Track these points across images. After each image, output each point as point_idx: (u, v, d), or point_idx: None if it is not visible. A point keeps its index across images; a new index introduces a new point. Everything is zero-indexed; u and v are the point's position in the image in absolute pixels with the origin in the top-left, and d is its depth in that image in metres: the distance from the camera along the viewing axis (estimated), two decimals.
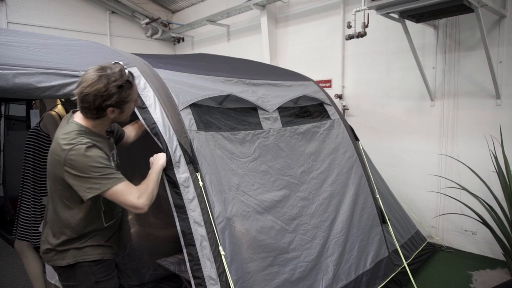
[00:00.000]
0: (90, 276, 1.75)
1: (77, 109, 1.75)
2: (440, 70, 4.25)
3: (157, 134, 2.09)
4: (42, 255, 1.82)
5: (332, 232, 2.89)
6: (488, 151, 3.81)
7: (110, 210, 1.87)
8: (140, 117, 2.12)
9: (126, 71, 1.69)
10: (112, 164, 1.77)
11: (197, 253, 2.03)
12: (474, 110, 4.03)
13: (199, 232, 2.05)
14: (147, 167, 3.55)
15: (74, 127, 1.67)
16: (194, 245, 2.03)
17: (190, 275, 2.03)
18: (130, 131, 2.24)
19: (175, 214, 2.07)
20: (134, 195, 1.65)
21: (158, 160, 1.91)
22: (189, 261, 2.04)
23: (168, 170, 2.07)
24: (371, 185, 3.46)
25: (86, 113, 1.65)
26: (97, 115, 1.65)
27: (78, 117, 1.71)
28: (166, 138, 2.10)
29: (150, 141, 2.15)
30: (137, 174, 3.54)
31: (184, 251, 2.05)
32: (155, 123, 2.10)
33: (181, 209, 2.06)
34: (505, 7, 3.70)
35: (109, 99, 1.59)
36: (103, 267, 1.81)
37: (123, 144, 2.20)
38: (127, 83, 1.67)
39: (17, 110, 5.53)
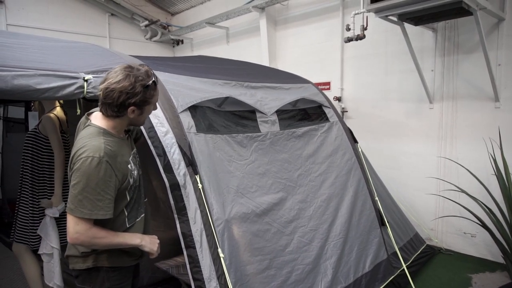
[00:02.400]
0: (105, 282, 1.73)
1: (92, 111, 1.74)
2: (439, 72, 4.26)
3: (154, 137, 2.09)
4: (66, 258, 1.80)
5: (330, 235, 2.88)
6: (487, 154, 3.81)
7: (134, 210, 1.81)
8: None
9: (151, 72, 1.68)
10: (132, 165, 1.74)
11: (197, 255, 2.03)
12: (473, 112, 4.03)
13: (198, 234, 2.05)
14: (144, 168, 3.55)
15: (93, 130, 1.63)
16: (194, 247, 2.04)
17: (190, 277, 2.03)
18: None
19: (175, 216, 2.07)
20: (77, 229, 1.54)
21: (147, 243, 1.76)
22: (189, 263, 2.04)
23: (168, 172, 2.07)
24: (370, 187, 3.45)
25: (106, 110, 1.61)
26: (117, 113, 1.61)
27: (96, 119, 1.68)
28: (164, 140, 2.10)
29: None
30: None
31: (185, 253, 2.05)
32: (152, 126, 2.10)
33: (181, 211, 2.06)
34: (503, 10, 3.72)
35: (134, 97, 1.58)
36: (120, 274, 1.77)
37: (141, 144, 2.13)
38: (153, 84, 1.66)
39: (16, 112, 5.51)
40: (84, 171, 1.52)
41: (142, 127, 2.10)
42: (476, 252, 4.11)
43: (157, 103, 2.12)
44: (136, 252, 1.81)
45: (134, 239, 1.72)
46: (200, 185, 2.15)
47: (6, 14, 6.21)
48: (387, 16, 3.50)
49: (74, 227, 1.54)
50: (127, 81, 1.56)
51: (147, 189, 3.54)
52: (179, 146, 2.13)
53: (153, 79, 1.66)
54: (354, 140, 3.65)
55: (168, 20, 8.20)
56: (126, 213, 1.74)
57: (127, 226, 1.74)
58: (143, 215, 1.86)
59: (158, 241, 1.82)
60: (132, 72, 1.59)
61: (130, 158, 1.74)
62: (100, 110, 1.66)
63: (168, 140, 2.12)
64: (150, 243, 1.77)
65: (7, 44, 2.07)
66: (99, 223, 1.61)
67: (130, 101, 1.58)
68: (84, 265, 1.71)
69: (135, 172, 1.76)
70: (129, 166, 1.70)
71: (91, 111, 1.77)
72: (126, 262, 1.79)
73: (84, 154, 1.54)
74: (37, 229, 2.81)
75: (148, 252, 1.79)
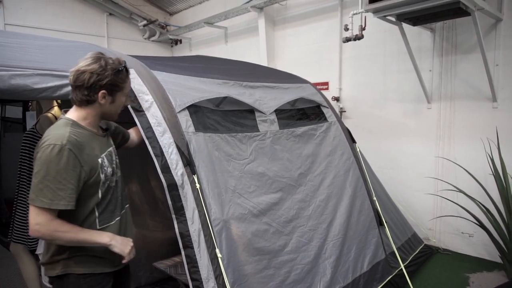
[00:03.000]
0: None
1: (68, 109, 1.73)
2: (437, 73, 4.27)
3: (151, 137, 2.08)
4: (42, 265, 1.76)
5: (329, 235, 2.89)
6: (485, 154, 3.82)
7: (107, 212, 1.72)
8: (136, 120, 2.11)
9: (123, 60, 1.70)
10: (105, 162, 1.69)
11: (195, 255, 2.02)
12: (471, 112, 4.04)
13: (196, 234, 2.05)
14: (143, 169, 3.55)
15: (61, 121, 1.62)
16: (192, 247, 2.03)
17: (188, 277, 2.03)
18: (137, 133, 2.19)
19: (173, 216, 2.07)
20: (38, 220, 1.48)
21: (117, 243, 1.65)
22: (187, 263, 2.03)
23: (165, 172, 2.06)
24: (368, 187, 3.46)
25: (76, 94, 1.60)
26: (87, 97, 1.59)
27: (69, 113, 1.67)
28: (162, 140, 2.09)
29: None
30: (134, 175, 3.55)
31: (182, 253, 2.05)
32: (150, 126, 2.10)
33: (179, 211, 2.06)
34: (501, 10, 3.73)
35: (104, 79, 1.58)
36: (93, 281, 1.67)
37: (127, 147, 2.14)
38: (125, 71, 1.68)
39: (14, 111, 5.50)
40: (45, 159, 1.48)
41: (140, 127, 2.10)
42: (473, 251, 4.12)
43: (152, 102, 2.15)
44: (108, 257, 1.69)
45: (102, 237, 1.62)
46: (198, 185, 2.15)
47: (4, 13, 6.19)
48: (385, 16, 3.51)
49: (35, 218, 1.48)
50: (97, 64, 1.58)
51: (145, 189, 3.55)
52: (177, 146, 2.13)
53: (125, 66, 1.68)
54: (352, 140, 3.65)
55: (166, 19, 8.19)
56: (97, 213, 1.67)
57: (98, 227, 1.67)
58: (118, 218, 1.78)
59: (131, 244, 1.71)
60: (103, 57, 1.62)
61: (104, 154, 1.70)
62: (71, 98, 1.65)
63: (166, 140, 2.11)
64: (121, 243, 1.66)
65: (5, 44, 2.06)
66: (66, 218, 1.56)
67: (100, 83, 1.58)
68: (54, 272, 1.66)
69: (109, 170, 1.71)
70: (99, 160, 1.65)
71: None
72: (98, 268, 1.69)
73: (46, 143, 1.51)
74: None
75: (122, 256, 1.67)
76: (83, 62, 1.59)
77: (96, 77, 1.57)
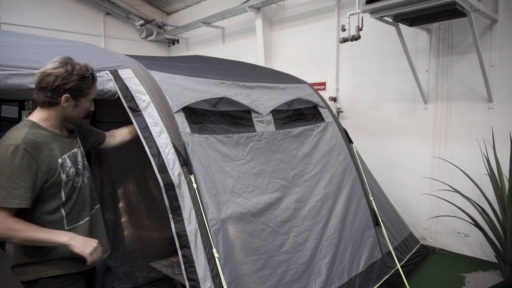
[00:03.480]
0: None
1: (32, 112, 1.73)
2: (434, 73, 4.29)
3: (148, 137, 2.09)
4: (11, 268, 1.73)
5: (325, 235, 2.89)
6: (481, 154, 3.84)
7: (74, 212, 1.73)
8: (133, 120, 2.11)
9: (91, 67, 1.70)
10: (68, 162, 1.69)
11: (191, 255, 2.02)
12: (467, 113, 4.07)
13: (193, 234, 2.05)
14: (140, 169, 3.55)
15: (21, 123, 1.64)
16: (189, 247, 2.03)
17: (185, 277, 2.03)
18: (118, 135, 2.21)
19: (170, 216, 2.06)
20: None
21: (77, 243, 1.59)
22: (184, 263, 2.03)
23: (162, 172, 2.06)
24: (364, 187, 3.47)
25: (40, 95, 1.61)
26: (50, 99, 1.60)
27: (31, 115, 1.68)
28: (159, 140, 2.10)
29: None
30: (130, 175, 3.55)
31: (179, 253, 2.05)
32: (147, 126, 2.10)
33: (176, 211, 2.06)
34: (497, 12, 3.75)
35: (69, 84, 1.59)
36: (66, 281, 1.68)
37: (104, 148, 2.18)
38: (91, 77, 1.69)
39: (9, 111, 5.48)
40: (0, 159, 1.50)
41: (136, 127, 2.10)
42: (469, 251, 4.14)
43: (149, 102, 2.14)
44: (79, 257, 1.63)
45: (61, 236, 1.58)
46: (195, 185, 2.15)
47: (0, 12, 6.16)
48: (382, 17, 3.52)
49: None
50: (64, 68, 1.59)
51: (142, 189, 3.55)
52: (174, 146, 2.13)
53: (92, 72, 1.69)
54: (349, 140, 3.66)
55: (163, 19, 8.18)
56: (64, 214, 1.68)
57: (66, 228, 1.68)
58: (88, 218, 1.79)
59: (95, 244, 1.63)
60: (71, 62, 1.63)
61: (66, 155, 1.70)
62: (34, 98, 1.66)
63: (163, 140, 2.11)
64: (82, 244, 1.59)
65: (1, 43, 2.05)
66: (28, 219, 1.56)
67: (65, 87, 1.59)
68: (26, 277, 1.66)
69: (72, 170, 1.70)
70: (59, 160, 1.65)
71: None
72: (70, 269, 1.69)
73: (2, 144, 1.53)
74: None
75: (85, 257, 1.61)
76: (51, 65, 1.60)
77: (60, 81, 1.58)
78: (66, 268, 1.69)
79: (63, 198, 1.67)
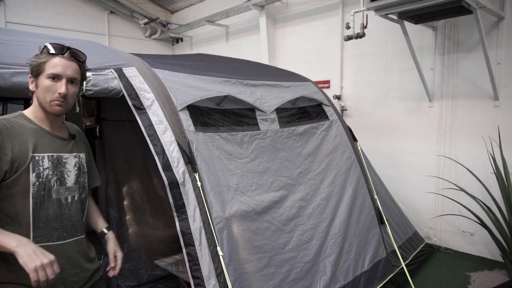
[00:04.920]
0: None
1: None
2: (439, 71, 4.25)
3: (153, 135, 2.09)
4: None
5: (330, 233, 2.89)
6: (486, 153, 3.81)
7: (45, 228, 1.47)
8: (138, 118, 2.11)
9: (51, 44, 1.51)
10: (46, 162, 1.48)
11: (196, 253, 2.02)
12: (473, 111, 4.03)
13: (198, 232, 2.05)
14: (145, 167, 3.56)
15: (12, 113, 1.53)
16: (194, 245, 2.03)
17: (189, 275, 2.03)
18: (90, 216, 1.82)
19: (174, 214, 2.07)
20: None
21: (24, 253, 1.26)
22: (188, 261, 2.03)
23: (166, 170, 2.07)
24: (369, 186, 3.46)
25: None
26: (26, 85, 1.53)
27: None
28: (163, 138, 2.10)
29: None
30: (135, 173, 3.56)
31: (184, 251, 2.05)
32: (151, 124, 2.10)
33: (181, 209, 2.06)
34: (503, 9, 3.71)
35: (31, 65, 1.48)
36: None
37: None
38: (45, 50, 1.49)
39: (15, 109, 5.50)
40: None
41: (141, 125, 2.10)
42: (474, 250, 4.12)
43: (154, 100, 2.14)
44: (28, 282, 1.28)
45: (8, 239, 1.29)
46: (199, 183, 2.15)
47: (5, 11, 6.19)
48: (387, 14, 3.50)
49: None
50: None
51: (147, 187, 3.56)
52: (178, 144, 2.13)
53: (45, 46, 1.49)
54: (353, 139, 3.65)
55: (167, 18, 8.18)
56: (31, 225, 1.43)
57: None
58: (62, 242, 1.51)
59: (46, 260, 1.27)
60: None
61: (47, 154, 1.50)
62: None
63: (167, 138, 2.12)
64: (30, 254, 1.25)
65: (6, 42, 2.06)
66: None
67: (31, 68, 1.48)
68: None
69: (47, 172, 1.48)
70: (33, 155, 1.45)
71: None
72: (10, 278, 1.41)
73: None
74: None
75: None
76: None
77: (30, 64, 1.48)
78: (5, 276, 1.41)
79: (31, 203, 1.43)
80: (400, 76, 4.57)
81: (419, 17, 3.66)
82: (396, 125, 4.66)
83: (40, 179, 1.46)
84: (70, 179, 1.57)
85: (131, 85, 2.14)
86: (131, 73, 2.18)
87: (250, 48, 6.39)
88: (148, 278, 3.36)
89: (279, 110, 3.06)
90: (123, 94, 2.11)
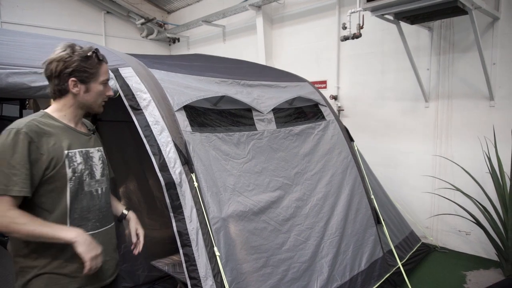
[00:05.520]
0: None
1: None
2: (435, 71, 4.28)
3: (149, 136, 2.08)
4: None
5: (326, 233, 2.89)
6: (482, 152, 3.83)
7: (82, 219, 1.58)
8: (134, 118, 2.11)
9: (95, 48, 1.62)
10: (78, 157, 1.58)
11: (193, 253, 2.02)
12: (468, 111, 4.06)
13: (194, 232, 2.05)
14: (141, 167, 3.55)
15: (34, 114, 1.57)
16: (190, 246, 2.03)
17: (186, 275, 2.03)
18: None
19: (171, 214, 2.06)
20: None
21: (83, 244, 1.44)
22: (185, 262, 2.03)
23: (163, 171, 2.06)
24: (365, 186, 3.47)
25: (50, 87, 1.57)
26: (58, 87, 1.54)
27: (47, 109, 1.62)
28: (160, 139, 2.09)
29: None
30: (131, 173, 3.55)
31: (181, 251, 2.05)
32: (148, 124, 2.10)
33: (177, 209, 2.05)
34: (498, 9, 3.74)
35: (71, 66, 1.52)
36: None
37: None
38: (93, 56, 1.58)
39: (11, 110, 5.48)
40: (1, 144, 1.42)
41: (138, 125, 2.10)
42: (470, 249, 4.14)
43: (150, 101, 2.14)
44: (79, 275, 1.51)
45: (67, 232, 1.44)
46: (196, 184, 2.15)
47: (1, 11, 6.16)
48: (383, 15, 3.51)
49: None
50: (65, 52, 1.53)
51: (143, 188, 3.55)
52: (175, 145, 2.13)
53: (94, 50, 1.59)
54: (350, 139, 3.66)
55: (164, 18, 8.17)
56: (68, 215, 1.54)
57: None
58: (96, 231, 1.62)
59: (99, 251, 1.48)
60: (71, 44, 1.57)
61: (77, 150, 1.59)
62: (48, 92, 1.61)
63: (164, 138, 2.11)
64: (88, 244, 1.44)
65: (1, 42, 2.05)
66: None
67: (68, 70, 1.52)
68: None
69: (81, 167, 1.58)
70: (67, 152, 1.54)
71: None
72: (65, 286, 1.52)
73: (5, 129, 1.45)
74: None
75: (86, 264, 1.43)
76: (53, 53, 1.55)
77: (62, 64, 1.51)
78: (59, 285, 1.52)
79: (68, 197, 1.54)
80: (396, 76, 4.58)
81: (415, 17, 3.68)
82: (392, 125, 4.68)
83: (76, 174, 1.56)
84: (98, 172, 1.68)
85: (128, 86, 2.13)
86: (128, 73, 2.18)
87: (247, 48, 6.39)
88: (145, 279, 3.35)
89: (276, 111, 3.06)
90: (119, 94, 2.11)
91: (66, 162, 1.53)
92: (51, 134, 1.52)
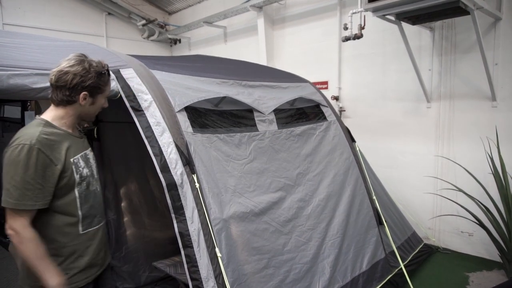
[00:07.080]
0: None
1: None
2: (436, 72, 4.26)
3: (150, 137, 2.08)
4: None
5: (328, 234, 2.88)
6: (484, 153, 3.82)
7: (89, 217, 1.72)
8: (135, 119, 2.11)
9: (106, 64, 1.72)
10: (81, 163, 1.68)
11: (194, 255, 2.02)
12: (470, 112, 4.04)
13: (196, 233, 2.04)
14: (142, 168, 3.55)
15: (34, 122, 1.62)
16: (192, 247, 2.02)
17: (188, 277, 2.02)
18: None
19: (173, 215, 2.06)
20: (13, 225, 1.49)
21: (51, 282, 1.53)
22: (187, 263, 2.03)
23: (164, 172, 2.06)
24: (367, 186, 3.46)
25: (57, 95, 1.59)
26: (68, 97, 1.59)
27: (44, 114, 1.66)
28: (161, 140, 2.09)
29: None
30: (132, 174, 3.55)
31: (182, 252, 2.04)
32: (149, 125, 2.09)
33: (179, 210, 2.05)
34: (500, 10, 3.72)
35: (87, 81, 1.59)
36: None
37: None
38: (107, 74, 1.70)
39: (12, 111, 5.48)
40: (13, 160, 1.46)
41: (139, 126, 2.10)
42: (473, 250, 4.12)
43: (152, 102, 2.14)
44: (88, 269, 1.69)
45: (52, 277, 1.52)
46: (197, 185, 2.14)
47: (2, 13, 6.17)
48: (384, 15, 3.50)
49: (10, 222, 1.48)
50: (81, 66, 1.59)
51: (144, 189, 3.55)
52: (176, 146, 2.13)
53: (107, 69, 1.71)
54: (351, 139, 3.65)
55: (165, 19, 8.18)
56: (80, 216, 1.67)
57: (80, 232, 1.68)
58: (101, 224, 1.81)
59: None
60: (86, 59, 1.63)
61: (79, 155, 1.69)
62: (51, 97, 1.64)
63: (165, 139, 2.11)
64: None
65: (3, 44, 2.05)
66: (45, 225, 1.56)
67: (83, 84, 1.59)
68: None
69: (85, 171, 1.69)
70: (73, 160, 1.63)
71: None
72: (81, 282, 1.68)
73: (15, 143, 1.49)
74: None
75: None
76: (66, 63, 1.58)
77: (79, 78, 1.57)
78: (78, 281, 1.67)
79: (78, 200, 1.65)
80: (398, 76, 4.57)
81: (416, 18, 3.67)
82: (394, 125, 4.67)
83: (82, 178, 1.67)
84: (95, 171, 1.81)
85: (129, 87, 2.13)
86: (129, 74, 2.18)
87: (248, 49, 6.39)
88: (146, 280, 3.35)
89: (277, 111, 3.06)
90: (120, 95, 2.11)
91: (74, 168, 1.63)
92: (58, 144, 1.59)
